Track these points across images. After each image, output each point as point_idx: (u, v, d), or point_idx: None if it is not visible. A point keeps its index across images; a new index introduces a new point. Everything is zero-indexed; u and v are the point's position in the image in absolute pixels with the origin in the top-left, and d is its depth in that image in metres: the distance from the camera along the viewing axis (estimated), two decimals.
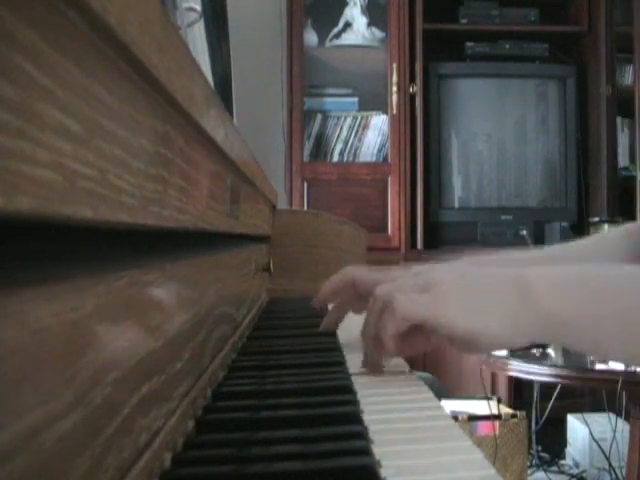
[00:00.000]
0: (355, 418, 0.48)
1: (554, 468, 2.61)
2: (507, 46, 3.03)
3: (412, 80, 2.91)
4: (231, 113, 1.49)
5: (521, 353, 1.90)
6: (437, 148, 2.97)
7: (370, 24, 3.01)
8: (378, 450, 0.42)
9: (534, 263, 0.86)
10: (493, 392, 2.54)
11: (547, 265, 0.87)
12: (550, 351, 1.92)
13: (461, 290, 0.60)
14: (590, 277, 0.60)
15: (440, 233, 2.97)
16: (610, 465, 2.39)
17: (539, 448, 2.63)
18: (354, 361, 0.68)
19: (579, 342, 0.60)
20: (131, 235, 0.38)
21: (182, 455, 0.42)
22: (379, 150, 2.99)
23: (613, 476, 2.39)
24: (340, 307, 0.82)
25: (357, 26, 3.02)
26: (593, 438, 2.46)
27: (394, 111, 2.91)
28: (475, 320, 0.58)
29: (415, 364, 0.64)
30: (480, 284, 0.61)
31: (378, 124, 2.98)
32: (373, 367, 0.66)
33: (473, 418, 2.21)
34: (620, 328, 0.57)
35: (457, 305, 0.59)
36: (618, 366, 1.75)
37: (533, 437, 2.53)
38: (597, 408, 2.53)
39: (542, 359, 1.89)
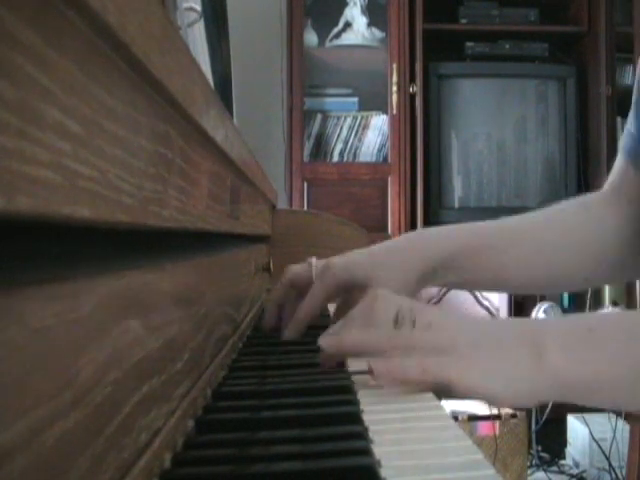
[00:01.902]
0: (355, 418, 0.48)
1: (554, 468, 2.61)
2: (507, 46, 3.03)
3: (412, 80, 2.91)
4: (231, 113, 1.49)
5: None
6: (437, 148, 2.97)
7: (370, 24, 3.01)
8: (377, 450, 0.42)
9: (483, 235, 0.86)
10: None
11: (498, 239, 0.87)
12: None
13: (481, 354, 0.57)
14: (605, 331, 0.58)
15: None
16: (610, 465, 2.39)
17: (539, 448, 2.63)
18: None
19: (596, 401, 0.58)
20: (131, 235, 0.38)
21: (182, 455, 0.42)
22: (379, 150, 2.99)
23: (613, 476, 2.39)
24: (271, 304, 0.85)
25: (357, 26, 3.02)
26: (593, 438, 2.46)
27: (394, 111, 2.91)
28: (493, 386, 0.55)
29: None
30: (494, 343, 0.57)
31: (378, 124, 2.98)
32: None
33: (473, 418, 2.22)
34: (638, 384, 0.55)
35: (476, 370, 0.56)
36: None
37: (533, 437, 2.53)
38: (597, 408, 2.53)
39: None
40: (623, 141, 0.91)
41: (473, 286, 0.98)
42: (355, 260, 0.83)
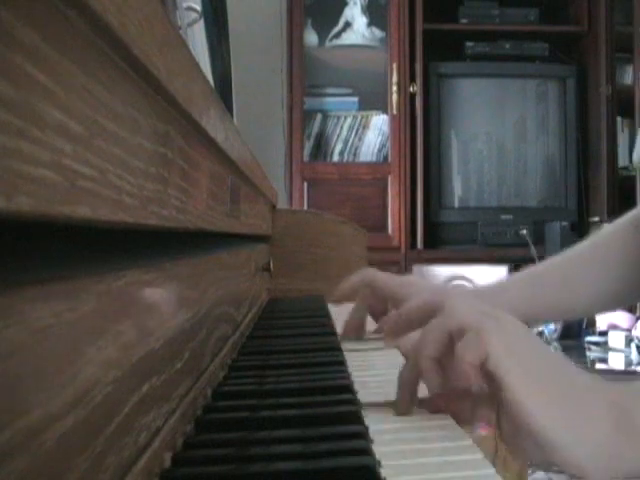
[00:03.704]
0: (355, 418, 0.48)
1: (554, 468, 2.61)
2: (507, 46, 3.03)
3: (412, 80, 2.92)
4: (231, 113, 1.49)
5: None
6: (437, 148, 2.97)
7: (370, 24, 3.02)
8: (377, 450, 0.42)
9: (514, 286, 0.82)
10: None
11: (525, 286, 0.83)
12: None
13: (558, 381, 0.48)
14: None
15: (440, 233, 2.97)
16: None
17: None
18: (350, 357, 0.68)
19: None
20: (131, 235, 0.38)
21: (182, 455, 0.42)
22: (379, 150, 2.99)
23: None
24: (359, 310, 0.81)
25: (357, 26, 3.02)
26: None
27: (394, 111, 2.91)
28: (567, 436, 0.45)
29: None
30: (576, 387, 0.48)
31: (378, 124, 2.98)
32: (406, 403, 0.52)
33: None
34: None
35: (553, 402, 0.46)
36: (618, 366, 1.75)
37: None
38: None
39: None
40: None
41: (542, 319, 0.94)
42: (442, 287, 0.78)
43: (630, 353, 2.44)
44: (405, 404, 0.52)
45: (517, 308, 0.78)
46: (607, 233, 0.86)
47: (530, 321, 0.83)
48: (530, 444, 0.47)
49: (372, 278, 0.78)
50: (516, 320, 0.51)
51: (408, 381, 0.52)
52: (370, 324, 0.83)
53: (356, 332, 0.81)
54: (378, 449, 0.42)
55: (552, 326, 2.62)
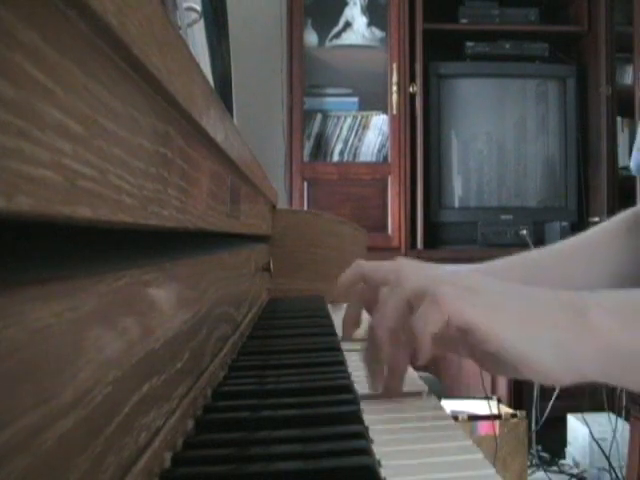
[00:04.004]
0: (355, 418, 0.48)
1: (554, 468, 2.61)
2: (507, 46, 3.03)
3: (412, 80, 2.91)
4: (231, 113, 1.49)
5: None
6: (437, 148, 2.97)
7: (370, 24, 3.01)
8: (378, 450, 0.42)
9: (509, 270, 0.81)
10: (493, 392, 2.54)
11: (518, 272, 0.83)
12: None
13: (514, 304, 0.50)
14: None
15: (440, 233, 2.97)
16: (610, 465, 2.39)
17: (539, 448, 2.63)
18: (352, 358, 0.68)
19: None
20: (131, 235, 0.38)
21: (182, 455, 0.42)
22: (379, 150, 2.99)
23: (613, 476, 2.39)
24: (353, 307, 0.80)
25: (357, 26, 3.02)
26: (593, 438, 2.46)
27: (394, 111, 2.91)
28: (528, 345, 0.48)
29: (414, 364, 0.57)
30: (531, 302, 0.51)
31: (378, 124, 2.98)
32: (390, 388, 0.56)
33: (473, 418, 2.21)
34: None
35: (511, 321, 0.49)
36: None
37: (533, 437, 2.53)
38: (597, 408, 2.53)
39: None
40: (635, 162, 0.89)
41: None
42: (431, 267, 0.78)
43: None
44: (374, 382, 0.56)
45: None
46: (596, 232, 0.87)
47: None
48: (502, 365, 0.50)
49: (362, 271, 0.77)
50: (468, 273, 0.53)
51: (371, 359, 0.56)
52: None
53: (355, 328, 0.81)
54: (378, 449, 0.42)
55: None
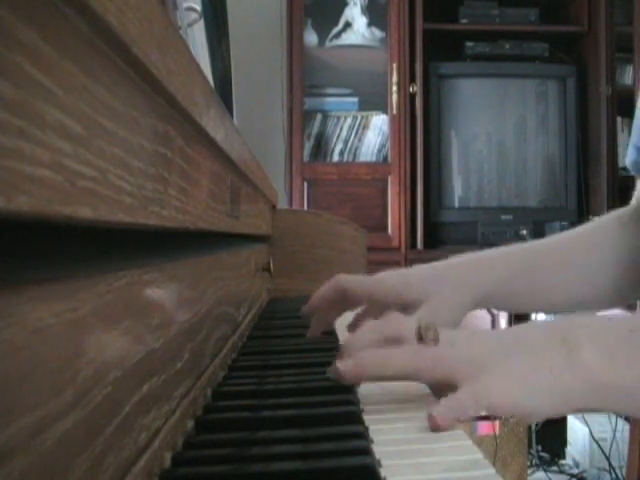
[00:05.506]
0: (355, 418, 0.48)
1: (554, 468, 2.61)
2: (507, 46, 3.03)
3: (412, 80, 2.91)
4: (231, 113, 1.49)
5: None
6: (437, 148, 2.97)
7: (370, 24, 3.01)
8: (378, 450, 0.42)
9: (510, 260, 0.83)
10: None
11: (550, 261, 0.85)
12: None
13: (514, 361, 0.52)
14: None
15: (440, 233, 2.97)
16: (610, 465, 2.39)
17: (539, 448, 2.63)
18: None
19: (632, 408, 0.53)
20: (131, 235, 0.38)
21: (182, 455, 0.42)
22: (379, 150, 2.99)
23: (613, 476, 2.39)
24: (326, 316, 0.79)
25: (357, 26, 3.02)
26: (593, 438, 2.46)
27: (394, 111, 2.91)
28: (532, 401, 0.50)
29: None
30: (526, 349, 0.52)
31: (378, 124, 2.98)
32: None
33: (473, 418, 2.21)
34: None
35: (518, 388, 0.50)
36: None
37: (533, 437, 2.53)
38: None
39: None
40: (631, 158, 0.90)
41: (522, 308, 0.94)
42: (414, 272, 0.79)
43: None
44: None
45: (497, 292, 0.80)
46: (591, 227, 0.89)
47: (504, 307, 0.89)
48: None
49: (343, 286, 0.76)
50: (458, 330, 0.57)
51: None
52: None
53: (318, 334, 0.79)
54: (378, 449, 0.42)
55: None
